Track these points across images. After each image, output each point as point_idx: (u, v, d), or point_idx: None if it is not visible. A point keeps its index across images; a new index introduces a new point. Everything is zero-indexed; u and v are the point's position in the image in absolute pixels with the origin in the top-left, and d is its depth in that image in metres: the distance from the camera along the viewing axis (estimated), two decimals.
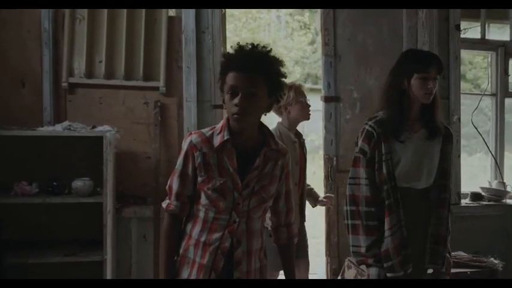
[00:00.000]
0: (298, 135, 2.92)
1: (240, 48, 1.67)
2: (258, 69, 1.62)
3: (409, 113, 2.15)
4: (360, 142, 2.15)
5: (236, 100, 1.61)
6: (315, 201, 3.08)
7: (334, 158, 3.56)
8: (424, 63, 2.12)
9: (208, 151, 1.68)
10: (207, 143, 1.69)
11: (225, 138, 1.67)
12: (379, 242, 2.09)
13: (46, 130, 2.87)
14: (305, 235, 2.96)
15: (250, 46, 1.66)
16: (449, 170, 2.25)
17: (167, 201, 1.75)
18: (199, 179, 1.68)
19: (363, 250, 2.11)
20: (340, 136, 3.58)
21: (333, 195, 3.26)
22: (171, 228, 1.75)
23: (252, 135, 1.71)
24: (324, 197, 3.16)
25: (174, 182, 1.73)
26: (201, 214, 1.71)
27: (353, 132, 3.58)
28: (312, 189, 3.10)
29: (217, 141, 1.68)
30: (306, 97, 2.83)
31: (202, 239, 1.70)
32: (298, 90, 2.81)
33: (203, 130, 1.75)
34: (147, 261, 3.18)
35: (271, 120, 2.72)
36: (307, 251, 3.00)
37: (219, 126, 1.73)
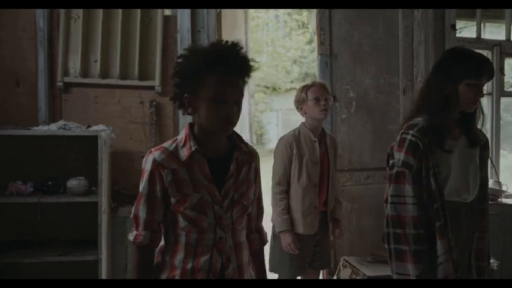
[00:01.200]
0: (323, 135, 2.91)
1: (219, 47, 1.50)
2: (244, 73, 1.51)
3: (450, 119, 1.93)
4: (402, 154, 1.87)
5: (226, 109, 1.46)
6: None
7: None
8: (477, 69, 1.86)
9: (177, 167, 1.50)
10: (174, 158, 1.51)
11: (193, 148, 1.50)
12: (430, 271, 1.83)
13: (41, 129, 2.87)
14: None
15: (230, 44, 1.51)
16: (488, 178, 2.06)
17: (134, 232, 1.54)
18: (173, 199, 1.50)
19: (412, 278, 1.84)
20: (336, 135, 3.57)
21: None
22: (142, 263, 1.55)
23: (221, 140, 1.57)
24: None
25: (140, 210, 1.53)
26: (182, 239, 1.52)
27: (349, 131, 3.60)
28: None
29: (184, 153, 1.51)
30: (317, 94, 2.80)
31: (189, 266, 1.51)
32: (309, 90, 2.82)
33: (164, 145, 1.56)
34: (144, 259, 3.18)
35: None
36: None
37: (181, 137, 1.56)
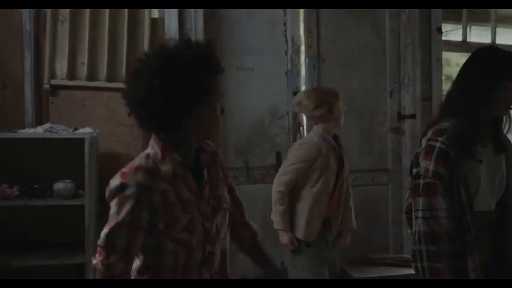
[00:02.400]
0: (337, 141, 2.86)
1: (189, 44, 1.41)
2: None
3: (483, 125, 1.79)
4: (431, 164, 1.70)
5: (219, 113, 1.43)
6: None
7: None
8: None
9: (166, 187, 1.34)
10: (159, 177, 1.34)
11: (178, 160, 1.37)
12: None
13: (27, 132, 2.85)
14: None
15: (209, 46, 1.45)
16: None
17: (104, 261, 1.30)
18: (161, 225, 1.32)
19: None
20: None
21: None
22: None
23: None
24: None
25: (118, 238, 1.29)
26: (169, 261, 1.36)
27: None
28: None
29: (166, 169, 1.35)
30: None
31: None
32: (339, 98, 2.86)
33: (140, 163, 1.35)
34: None
35: None
36: None
37: (155, 151, 1.38)
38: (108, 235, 1.31)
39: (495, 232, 1.82)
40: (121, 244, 1.30)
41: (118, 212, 1.30)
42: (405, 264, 3.20)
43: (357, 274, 3.14)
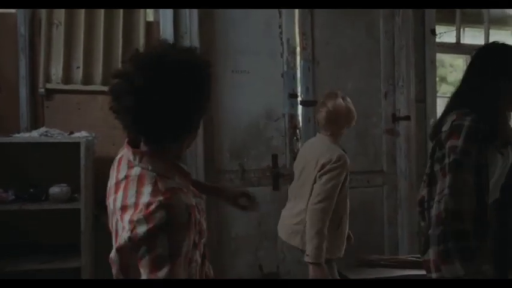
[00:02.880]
0: None
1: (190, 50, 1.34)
2: None
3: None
4: (459, 142, 1.65)
5: None
6: None
7: None
8: None
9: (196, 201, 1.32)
10: (189, 194, 1.31)
11: (187, 174, 1.38)
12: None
13: (22, 136, 2.85)
14: None
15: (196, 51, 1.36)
16: None
17: None
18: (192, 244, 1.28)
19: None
20: None
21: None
22: None
23: None
24: None
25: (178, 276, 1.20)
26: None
27: None
28: None
29: (187, 185, 1.35)
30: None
31: None
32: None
33: (169, 183, 1.26)
34: None
35: None
36: None
37: (164, 169, 1.30)
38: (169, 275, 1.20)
39: (501, 221, 1.81)
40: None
41: (173, 245, 1.20)
42: (400, 265, 3.22)
43: (353, 275, 3.15)
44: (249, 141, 3.46)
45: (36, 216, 2.94)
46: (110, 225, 1.35)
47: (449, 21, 4.13)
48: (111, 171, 1.39)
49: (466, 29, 4.28)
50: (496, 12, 4.30)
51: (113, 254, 1.25)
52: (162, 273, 1.17)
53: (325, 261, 2.52)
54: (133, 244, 1.19)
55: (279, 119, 3.51)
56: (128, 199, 1.25)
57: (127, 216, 1.22)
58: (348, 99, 2.71)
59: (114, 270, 1.27)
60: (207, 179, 3.31)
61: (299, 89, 3.58)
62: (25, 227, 3.01)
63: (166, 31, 3.24)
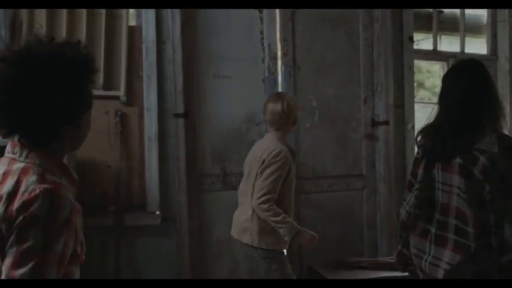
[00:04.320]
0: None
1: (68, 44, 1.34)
2: None
3: None
4: None
5: None
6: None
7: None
8: None
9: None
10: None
11: (75, 180, 1.36)
12: None
13: (2, 140, 2.83)
14: None
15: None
16: None
17: None
18: (78, 249, 1.29)
19: None
20: (299, 144, 3.65)
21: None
22: None
23: None
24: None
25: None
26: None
27: (312, 140, 3.69)
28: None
29: (73, 191, 1.31)
30: None
31: None
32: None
33: (56, 179, 1.25)
34: (107, 270, 3.16)
35: None
36: None
37: (52, 166, 1.27)
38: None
39: None
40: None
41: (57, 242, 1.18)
42: (379, 267, 3.28)
43: (332, 277, 3.20)
44: (230, 145, 3.49)
45: None
46: None
47: (426, 28, 4.22)
48: None
49: (442, 36, 4.39)
50: (471, 20, 4.42)
51: None
52: (24, 269, 1.10)
53: (275, 252, 2.69)
54: (6, 236, 1.14)
55: (260, 123, 3.55)
56: (4, 189, 1.19)
57: (2, 207, 1.16)
58: (291, 98, 2.88)
59: None
60: (189, 183, 3.33)
61: None
62: None
63: (149, 36, 3.26)
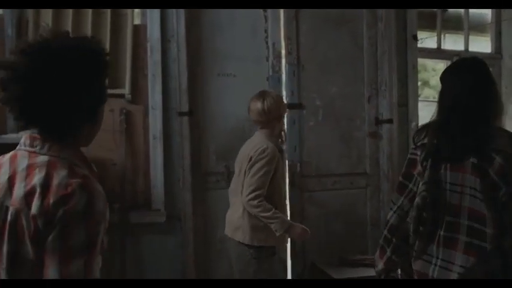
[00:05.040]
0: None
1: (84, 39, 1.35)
2: None
3: None
4: None
5: None
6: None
7: (298, 164, 3.64)
8: None
9: None
10: None
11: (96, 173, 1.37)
12: None
13: (10, 137, 2.86)
14: None
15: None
16: None
17: None
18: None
19: None
20: (303, 143, 3.67)
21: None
22: None
23: None
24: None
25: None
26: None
27: (316, 139, 3.70)
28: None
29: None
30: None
31: None
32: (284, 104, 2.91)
33: (84, 171, 1.27)
34: (113, 268, 3.19)
35: None
36: None
37: (76, 159, 1.29)
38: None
39: None
40: None
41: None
42: None
43: (336, 275, 3.21)
44: (235, 143, 3.48)
45: None
46: None
47: (430, 27, 4.23)
48: None
49: (446, 35, 4.39)
50: (475, 18, 4.42)
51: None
52: (75, 267, 1.13)
53: (263, 249, 2.71)
54: (44, 230, 1.14)
55: None
56: (34, 183, 1.17)
57: (38, 201, 1.15)
58: (273, 96, 2.88)
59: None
60: (194, 181, 3.35)
61: (284, 93, 3.63)
62: None
63: (153, 34, 3.27)
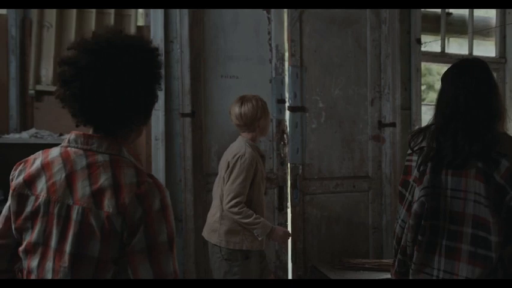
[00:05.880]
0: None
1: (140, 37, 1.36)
2: None
3: None
4: None
5: None
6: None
7: (300, 167, 3.64)
8: None
9: None
10: None
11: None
12: None
13: (12, 137, 2.87)
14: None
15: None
16: None
17: None
18: None
19: None
20: (306, 145, 3.66)
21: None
22: None
23: None
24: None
25: None
26: None
27: (318, 141, 3.70)
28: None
29: None
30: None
31: None
32: (267, 108, 2.86)
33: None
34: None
35: None
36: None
37: (132, 157, 1.32)
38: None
39: None
40: None
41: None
42: (384, 268, 3.28)
43: (337, 278, 3.20)
44: None
45: None
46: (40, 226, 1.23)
47: (434, 30, 4.22)
48: (37, 168, 1.29)
49: (451, 38, 4.37)
50: (479, 22, 4.40)
51: (79, 248, 1.17)
52: (165, 263, 1.17)
53: (237, 252, 2.67)
54: (120, 229, 1.15)
55: None
56: (102, 182, 1.18)
57: (111, 200, 1.16)
58: (252, 100, 2.80)
59: (83, 269, 1.17)
60: (195, 182, 3.35)
61: (287, 95, 3.63)
62: None
63: (157, 35, 3.28)
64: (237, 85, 3.50)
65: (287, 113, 3.64)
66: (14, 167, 1.33)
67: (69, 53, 1.25)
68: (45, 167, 1.26)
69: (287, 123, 3.63)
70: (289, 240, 3.31)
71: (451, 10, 4.29)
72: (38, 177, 1.25)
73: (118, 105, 1.22)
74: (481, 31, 4.37)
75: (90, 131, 1.28)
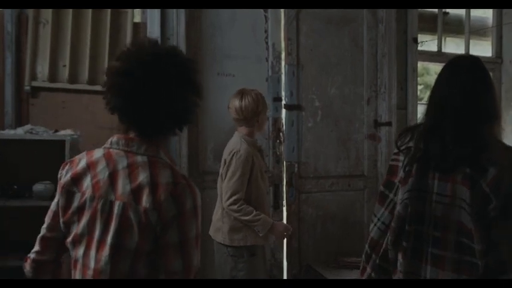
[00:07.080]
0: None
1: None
2: None
3: None
4: None
5: None
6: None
7: (296, 165, 3.64)
8: None
9: None
10: None
11: None
12: None
13: (7, 133, 2.86)
14: None
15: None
16: None
17: None
18: None
19: None
20: (302, 143, 3.67)
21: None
22: None
23: None
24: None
25: None
26: None
27: (314, 140, 3.70)
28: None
29: None
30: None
31: None
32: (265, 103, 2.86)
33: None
34: None
35: None
36: None
37: (169, 160, 1.47)
38: None
39: None
40: None
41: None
42: None
43: (332, 277, 3.21)
44: None
45: (19, 213, 2.94)
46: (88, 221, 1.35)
47: (431, 30, 4.22)
48: (83, 168, 1.39)
49: (447, 38, 4.38)
50: (476, 22, 4.41)
51: (123, 241, 1.29)
52: (194, 257, 1.32)
53: (242, 248, 2.69)
54: (155, 223, 1.27)
55: None
56: (141, 180, 1.31)
57: (149, 197, 1.28)
58: (252, 94, 2.80)
59: (127, 261, 1.29)
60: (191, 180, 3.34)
61: (283, 93, 3.63)
62: (9, 223, 3.01)
63: (153, 32, 3.27)
64: (234, 83, 3.49)
65: (283, 111, 3.64)
66: (62, 167, 1.44)
67: (118, 63, 1.38)
68: (90, 166, 1.39)
69: (283, 121, 3.63)
70: (285, 239, 3.31)
71: (447, 10, 4.29)
72: (83, 175, 1.38)
73: (159, 114, 1.35)
74: (478, 31, 4.38)
75: (131, 134, 1.40)
